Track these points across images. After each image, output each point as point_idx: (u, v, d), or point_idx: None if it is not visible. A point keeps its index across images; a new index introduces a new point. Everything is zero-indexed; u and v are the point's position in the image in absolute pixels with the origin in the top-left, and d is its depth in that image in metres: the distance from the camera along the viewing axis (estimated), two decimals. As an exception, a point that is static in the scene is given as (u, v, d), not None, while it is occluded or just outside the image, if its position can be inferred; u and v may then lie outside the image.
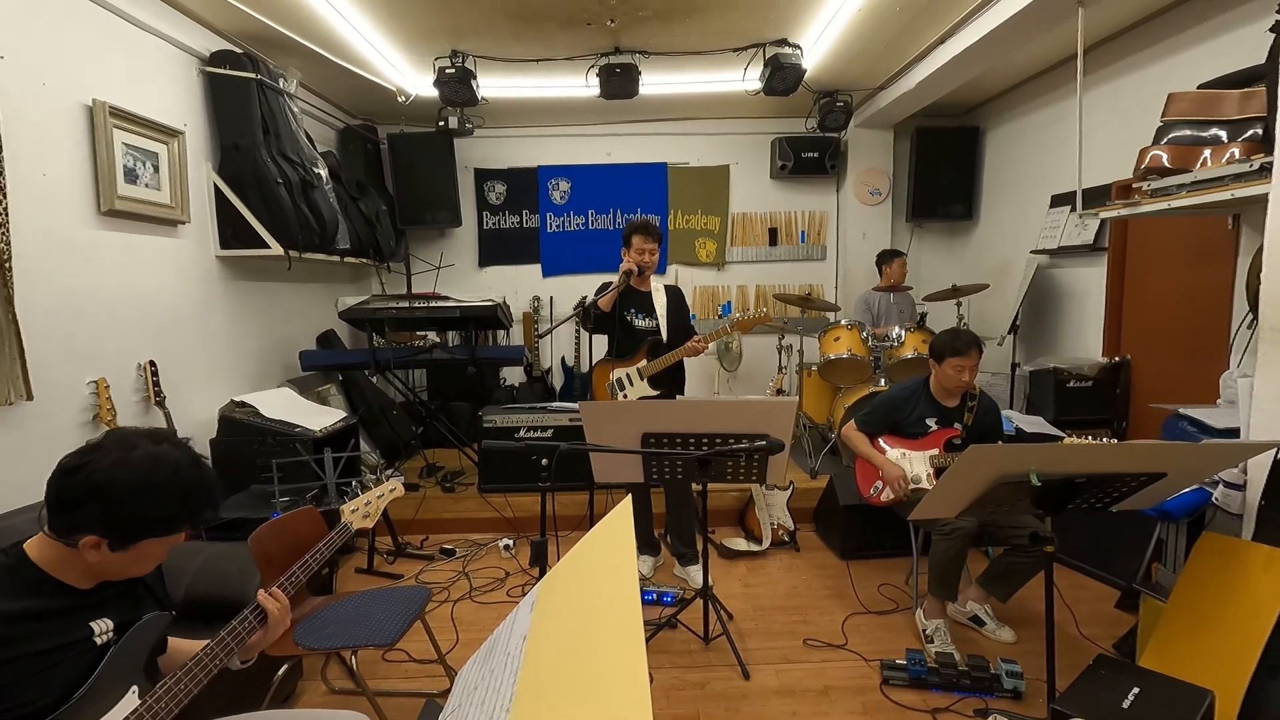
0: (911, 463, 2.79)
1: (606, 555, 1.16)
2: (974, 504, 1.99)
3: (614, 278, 3.14)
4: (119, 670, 1.13)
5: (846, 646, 2.63)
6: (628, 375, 3.20)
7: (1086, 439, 2.36)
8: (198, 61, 3.42)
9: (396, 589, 2.28)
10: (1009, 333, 4.26)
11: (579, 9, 3.26)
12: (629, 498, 1.37)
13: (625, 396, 3.20)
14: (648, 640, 2.66)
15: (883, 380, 4.18)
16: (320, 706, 2.36)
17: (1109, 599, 2.90)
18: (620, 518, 1.25)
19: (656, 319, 3.19)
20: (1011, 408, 4.33)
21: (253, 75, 3.49)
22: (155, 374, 3.02)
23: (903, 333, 4.14)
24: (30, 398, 2.36)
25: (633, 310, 3.19)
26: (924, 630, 2.62)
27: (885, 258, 4.69)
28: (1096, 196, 3.68)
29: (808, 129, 5.00)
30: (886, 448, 2.87)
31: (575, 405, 3.96)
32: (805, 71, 3.83)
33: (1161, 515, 2.48)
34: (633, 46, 3.76)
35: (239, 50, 3.55)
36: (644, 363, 3.16)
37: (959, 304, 4.28)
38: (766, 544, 3.55)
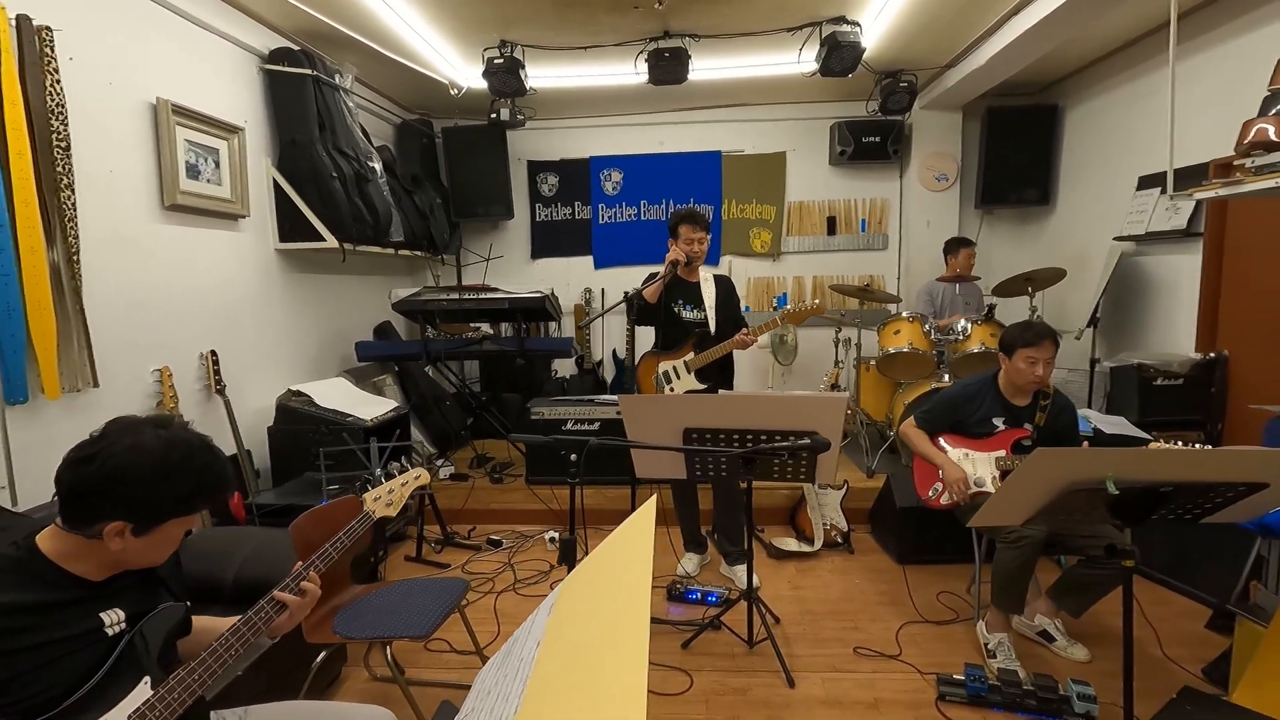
0: (975, 464, 2.61)
1: (622, 561, 1.09)
2: (1042, 511, 1.83)
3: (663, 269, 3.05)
4: (131, 661, 1.13)
5: (900, 657, 2.48)
6: (674, 368, 3.12)
7: (1175, 444, 2.14)
8: (258, 59, 3.51)
9: (434, 580, 2.28)
10: (1088, 325, 3.95)
11: (625, -9, 3.19)
12: (653, 499, 1.29)
13: (672, 390, 3.12)
14: (690, 642, 2.59)
15: (946, 376, 3.95)
16: (362, 691, 2.39)
17: (1198, 618, 2.64)
18: (641, 522, 1.17)
19: (705, 310, 3.10)
20: (1090, 407, 4.02)
21: (309, 72, 3.56)
22: (216, 363, 3.12)
23: (969, 325, 3.90)
24: (96, 385, 2.47)
25: (680, 301, 3.11)
26: (986, 644, 2.44)
27: (952, 246, 4.44)
28: (1191, 176, 3.35)
29: (868, 112, 4.77)
30: (948, 447, 2.69)
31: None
32: (864, 50, 3.63)
33: (1262, 530, 2.23)
34: (682, 29, 3.65)
35: (296, 47, 3.63)
36: (691, 355, 3.07)
37: (1031, 295, 3.99)
38: (818, 545, 3.41)
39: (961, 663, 2.34)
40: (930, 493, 2.70)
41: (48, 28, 2.29)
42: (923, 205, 5.25)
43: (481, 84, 4.12)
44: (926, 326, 3.97)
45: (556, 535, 3.61)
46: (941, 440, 2.72)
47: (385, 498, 1.64)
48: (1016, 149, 4.97)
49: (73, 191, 2.38)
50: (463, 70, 4.27)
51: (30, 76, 2.22)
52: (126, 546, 1.10)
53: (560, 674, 0.92)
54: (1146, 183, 3.95)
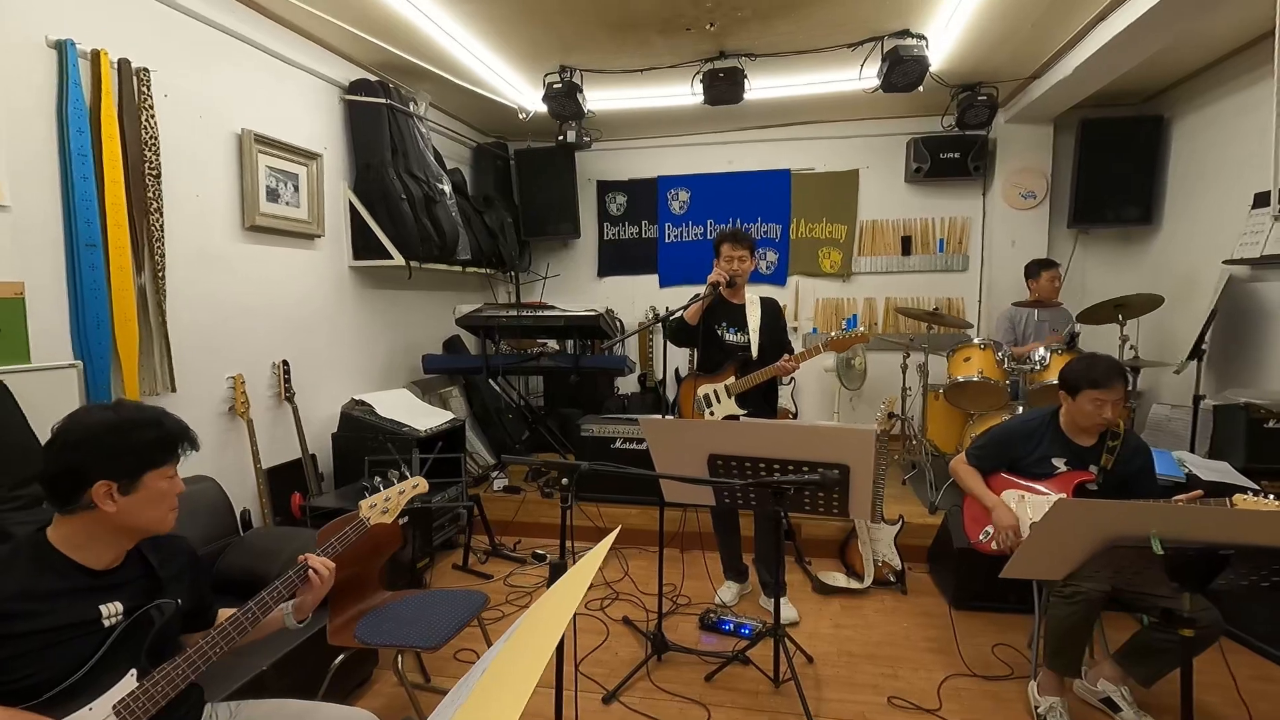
0: (1031, 508, 2.40)
1: (562, 593, 1.09)
2: (1084, 567, 1.65)
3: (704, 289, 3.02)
4: (121, 653, 1.21)
5: (939, 712, 2.30)
6: (715, 392, 3.07)
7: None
8: (339, 90, 3.77)
9: (456, 592, 2.33)
10: (1189, 358, 3.55)
11: (675, 14, 3.19)
12: (616, 531, 1.27)
13: (712, 414, 3.07)
14: (713, 675, 2.51)
15: (1021, 408, 3.67)
16: (391, 694, 2.47)
17: (1305, 699, 2.30)
18: (593, 556, 1.16)
19: (748, 334, 3.03)
20: (1193, 449, 3.60)
21: (383, 101, 3.79)
22: (288, 372, 3.35)
23: (1048, 355, 3.61)
24: (174, 389, 2.70)
25: (724, 324, 3.05)
26: (1036, 707, 2.22)
27: (1033, 269, 4.14)
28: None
29: (944, 127, 4.54)
30: (1011, 480, 2.48)
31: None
32: (929, 64, 3.46)
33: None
34: (738, 49, 3.61)
35: (374, 78, 3.88)
36: (732, 379, 3.01)
37: (1123, 323, 3.64)
38: (868, 582, 3.23)
39: (1006, 725, 2.15)
40: (981, 536, 2.50)
41: (145, 69, 2.56)
42: (1007, 224, 4.92)
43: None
44: (1000, 354, 3.70)
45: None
46: (998, 478, 2.52)
47: (380, 505, 1.70)
48: (1115, 164, 4.57)
49: (161, 214, 2.64)
50: (529, 95, 4.42)
51: (127, 113, 2.49)
52: (120, 507, 1.19)
53: (482, 702, 0.93)
54: (1263, 200, 3.53)
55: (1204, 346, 3.61)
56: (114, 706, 1.17)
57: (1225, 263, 3.62)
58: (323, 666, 2.17)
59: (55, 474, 1.17)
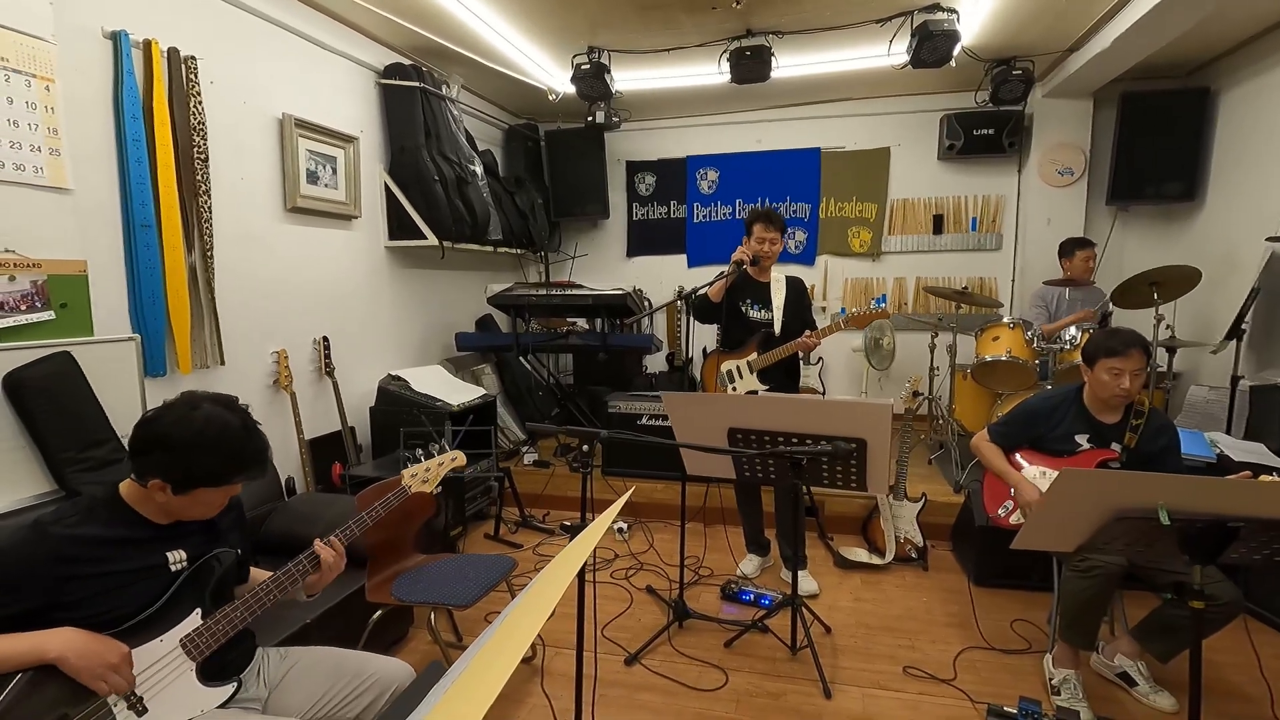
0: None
1: (570, 554, 1.17)
2: (1095, 539, 1.68)
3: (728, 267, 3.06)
4: (187, 594, 1.34)
5: (953, 682, 2.35)
6: (738, 368, 3.12)
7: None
8: (375, 75, 3.88)
9: (486, 556, 2.45)
10: (1227, 338, 3.47)
11: (701, -8, 3.21)
12: (629, 493, 1.35)
13: (735, 389, 3.13)
14: (732, 641, 2.59)
15: (1049, 387, 3.63)
16: (424, 651, 2.61)
17: (1330, 679, 2.29)
18: (606, 515, 1.24)
19: (772, 311, 3.07)
20: (1229, 431, 3.54)
21: (417, 84, 3.89)
22: (328, 348, 3.50)
23: (1079, 334, 3.57)
24: (223, 363, 2.86)
25: (748, 301, 3.10)
26: (1050, 679, 2.26)
27: (1067, 248, 4.06)
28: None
29: (977, 103, 4.46)
30: (1024, 464, 2.50)
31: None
32: (960, 38, 3.40)
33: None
34: (764, 27, 3.60)
35: (408, 62, 3.97)
36: (754, 355, 3.06)
37: (1158, 301, 3.56)
38: (889, 558, 3.27)
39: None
40: (1000, 510, 2.52)
41: (193, 57, 2.69)
42: (1043, 202, 4.83)
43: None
44: (1029, 334, 3.67)
45: (626, 527, 3.73)
46: (1018, 456, 2.53)
47: (421, 475, 1.80)
48: (1158, 138, 4.43)
49: (209, 197, 2.78)
50: (558, 76, 4.47)
51: (177, 100, 2.62)
52: (168, 501, 1.30)
53: (486, 656, 1.02)
54: (1312, 175, 3.42)
55: (1244, 326, 3.52)
56: (180, 640, 1.30)
57: (1269, 240, 3.52)
58: (361, 621, 2.32)
59: (131, 449, 1.29)
